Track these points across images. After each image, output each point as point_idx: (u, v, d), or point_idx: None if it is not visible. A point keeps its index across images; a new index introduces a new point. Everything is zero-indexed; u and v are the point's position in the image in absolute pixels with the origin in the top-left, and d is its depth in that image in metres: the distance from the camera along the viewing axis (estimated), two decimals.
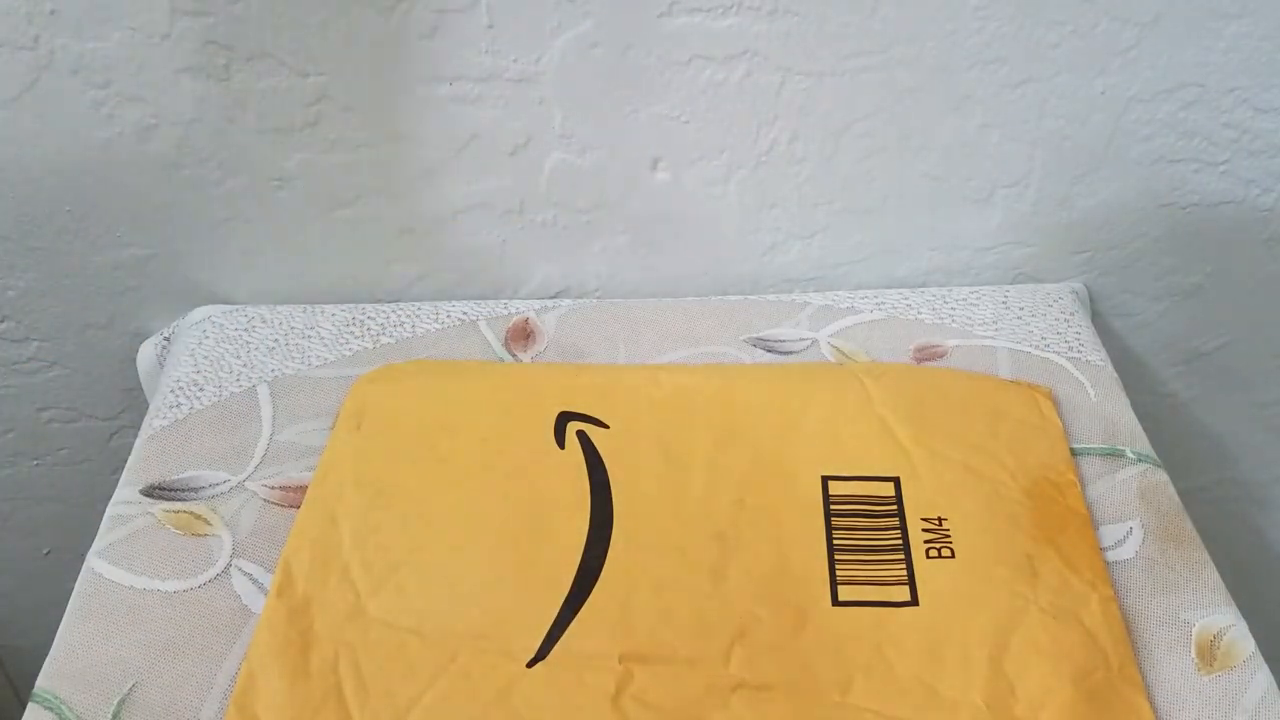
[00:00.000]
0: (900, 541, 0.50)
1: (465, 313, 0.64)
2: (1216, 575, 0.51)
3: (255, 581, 0.50)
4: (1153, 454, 0.56)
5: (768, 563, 0.50)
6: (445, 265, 0.66)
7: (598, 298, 0.68)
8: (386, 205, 0.62)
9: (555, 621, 0.47)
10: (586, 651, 0.46)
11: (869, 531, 0.51)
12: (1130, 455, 0.56)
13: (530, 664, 0.46)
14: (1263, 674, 0.46)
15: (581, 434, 0.55)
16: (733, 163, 0.61)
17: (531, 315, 0.64)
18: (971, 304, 0.65)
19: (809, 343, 0.62)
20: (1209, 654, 0.47)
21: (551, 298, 0.67)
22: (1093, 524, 0.52)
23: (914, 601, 0.48)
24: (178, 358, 0.62)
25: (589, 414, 0.56)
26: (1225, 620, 0.48)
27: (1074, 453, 0.56)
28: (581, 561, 0.49)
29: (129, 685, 0.46)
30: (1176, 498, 0.54)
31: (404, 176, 0.61)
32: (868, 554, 0.50)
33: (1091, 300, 0.69)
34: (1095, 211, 0.65)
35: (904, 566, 0.49)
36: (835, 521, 0.51)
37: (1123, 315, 0.71)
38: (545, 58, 0.56)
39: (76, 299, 0.65)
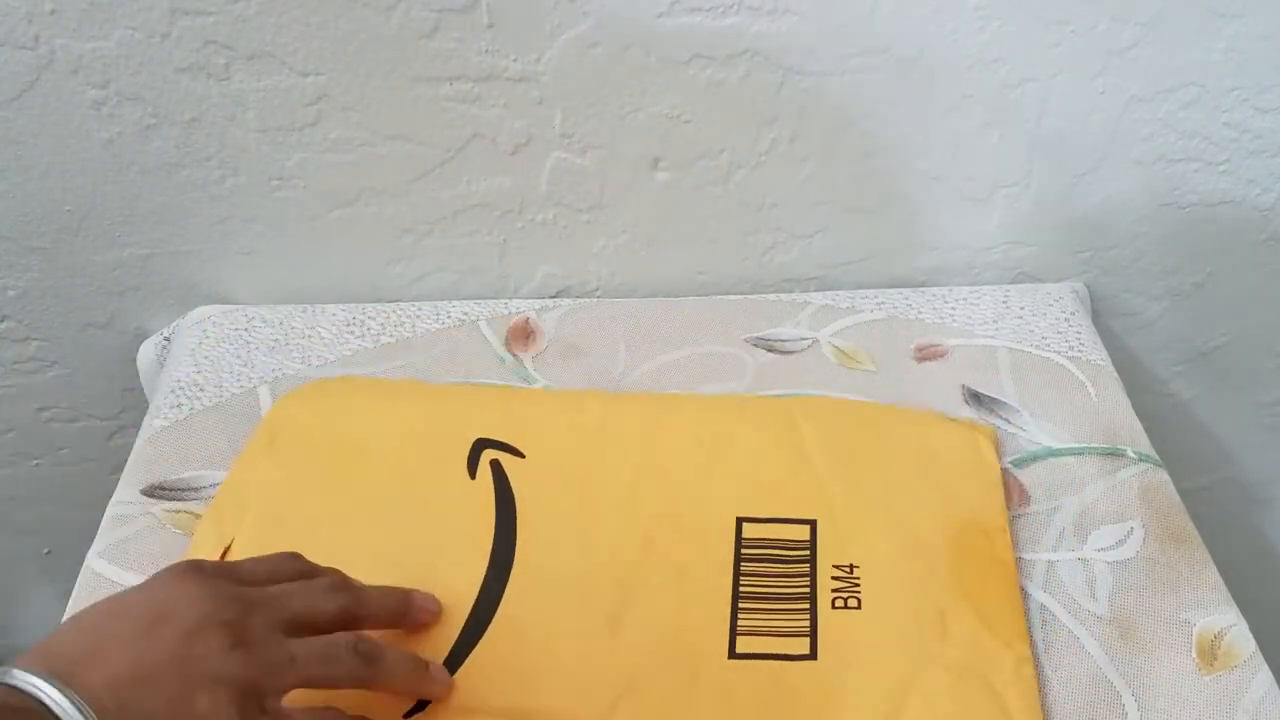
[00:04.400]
0: (807, 590, 0.49)
1: (465, 313, 0.64)
2: (1217, 575, 0.51)
3: None
4: (1153, 453, 0.56)
5: (667, 612, 0.48)
6: (445, 265, 0.66)
7: (598, 298, 0.68)
8: (386, 205, 0.62)
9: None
10: (465, 707, 0.45)
11: (777, 579, 0.49)
12: (1131, 455, 0.56)
13: (407, 715, 0.44)
14: (1263, 673, 0.46)
15: (495, 463, 0.53)
16: (733, 163, 0.61)
17: (532, 315, 0.64)
18: (972, 303, 0.65)
19: (809, 342, 0.62)
20: (1210, 654, 0.47)
21: (551, 297, 0.67)
22: (1018, 575, 0.50)
23: (812, 655, 0.46)
24: (178, 358, 0.62)
25: (506, 442, 0.54)
26: (1226, 620, 0.48)
27: (1068, 453, 0.56)
28: (474, 606, 0.48)
29: None
30: (1177, 497, 0.54)
31: (404, 176, 0.61)
32: (772, 602, 0.48)
33: (1092, 300, 0.69)
34: (1095, 211, 0.65)
35: (807, 617, 0.48)
36: (744, 567, 0.50)
37: (1123, 315, 0.71)
38: (545, 58, 0.56)
39: (76, 299, 0.65)
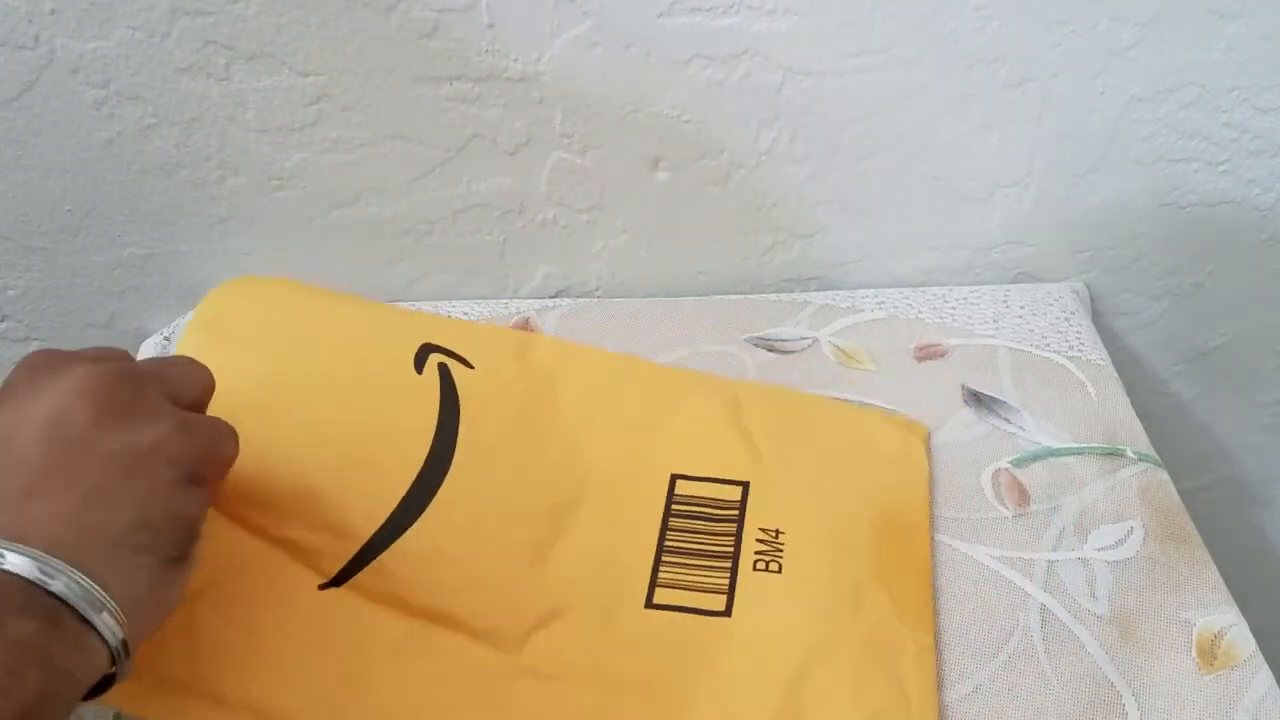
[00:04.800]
0: (731, 550, 0.49)
1: (465, 313, 0.64)
2: (1217, 574, 0.51)
3: None
4: (1153, 453, 0.56)
5: (593, 552, 0.48)
6: (445, 265, 0.66)
7: (598, 298, 0.68)
8: (386, 205, 0.62)
9: (361, 550, 0.45)
10: (382, 593, 0.44)
11: (703, 536, 0.50)
12: (1131, 454, 0.56)
13: (323, 586, 0.44)
14: (1264, 673, 0.46)
15: (443, 366, 0.52)
16: (733, 162, 0.61)
17: (532, 315, 0.64)
18: (972, 303, 0.65)
19: (809, 342, 0.62)
20: (1210, 653, 0.47)
21: (551, 297, 0.67)
22: (931, 578, 0.50)
23: (727, 612, 0.47)
24: None
25: (454, 350, 0.53)
26: (1226, 620, 0.48)
27: (1068, 453, 0.56)
28: (406, 494, 0.47)
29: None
30: (1177, 497, 0.54)
31: (404, 176, 0.61)
32: (695, 558, 0.49)
33: (1092, 299, 0.69)
34: (1095, 211, 0.65)
35: (727, 575, 0.48)
36: (672, 522, 0.50)
37: (1123, 314, 0.71)
38: (545, 57, 0.56)
39: (76, 299, 0.65)
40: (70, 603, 0.32)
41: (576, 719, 0.43)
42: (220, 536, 0.44)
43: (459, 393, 0.51)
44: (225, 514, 0.45)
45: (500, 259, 0.65)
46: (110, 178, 0.59)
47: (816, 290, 0.67)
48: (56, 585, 0.32)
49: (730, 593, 0.47)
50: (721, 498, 0.51)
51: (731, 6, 0.55)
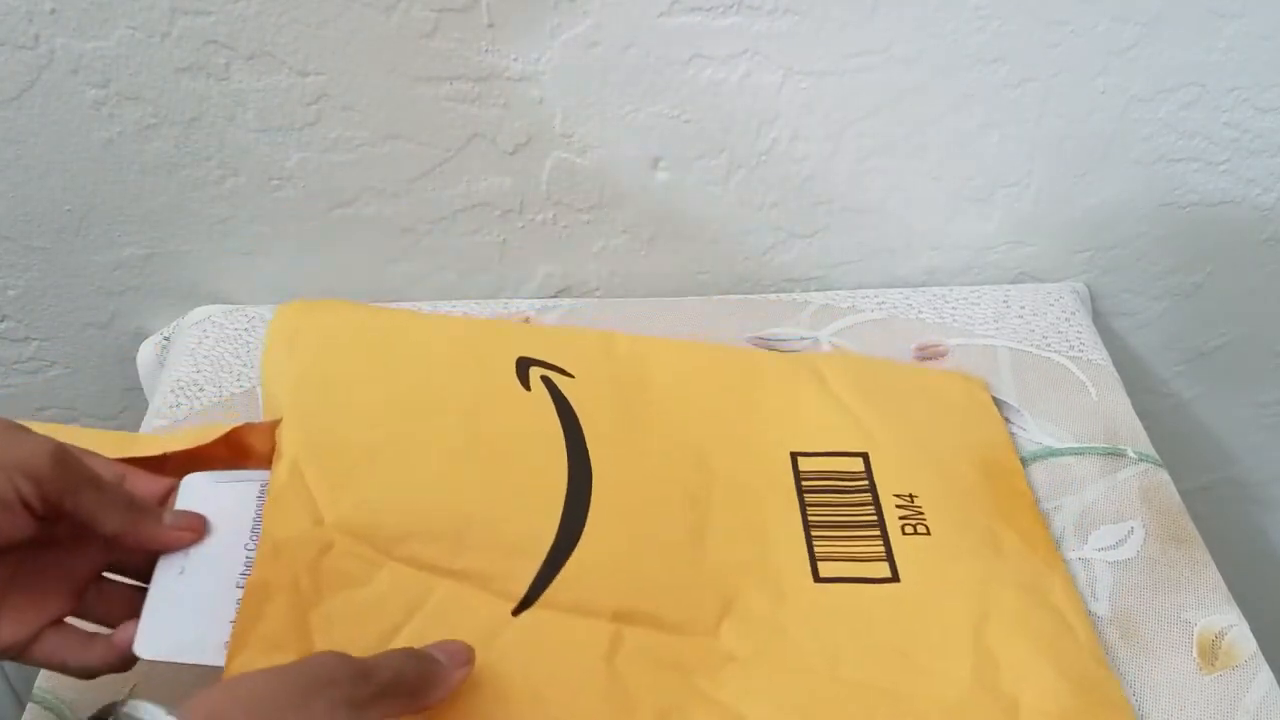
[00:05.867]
0: (875, 518, 0.50)
1: (465, 313, 0.64)
2: (1218, 575, 0.50)
3: None
4: (1153, 453, 0.56)
5: (744, 534, 0.48)
6: (445, 265, 0.65)
7: (598, 298, 0.67)
8: (386, 205, 0.62)
9: (542, 568, 0.44)
10: (576, 604, 0.44)
11: (843, 508, 0.50)
12: (1131, 455, 0.56)
13: (516, 611, 0.43)
14: (1264, 673, 0.46)
15: (547, 379, 0.52)
16: (733, 162, 0.61)
17: (532, 315, 0.64)
18: (972, 303, 0.65)
19: (810, 342, 0.62)
20: (1210, 653, 0.47)
21: (551, 297, 0.67)
22: (1040, 512, 0.52)
23: (895, 578, 0.47)
24: (178, 358, 0.62)
25: (550, 361, 0.53)
26: (1227, 620, 0.48)
27: (1068, 453, 0.56)
28: (565, 506, 0.47)
29: (129, 686, 0.46)
30: (1177, 497, 0.54)
31: (404, 176, 0.61)
32: (844, 529, 0.49)
33: (1092, 299, 0.69)
34: (1096, 211, 0.65)
35: (881, 543, 0.49)
36: (809, 498, 0.50)
37: (1123, 315, 0.71)
38: (545, 57, 0.56)
39: (76, 299, 0.65)
40: None
41: (784, 698, 0.43)
42: (401, 582, 0.43)
43: (570, 403, 0.51)
44: (395, 557, 0.44)
45: (500, 259, 0.65)
46: (110, 178, 0.59)
47: (816, 290, 0.67)
48: None
49: (890, 559, 0.48)
50: (847, 469, 0.51)
51: (731, 6, 0.55)
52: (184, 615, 0.39)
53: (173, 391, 0.59)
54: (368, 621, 0.41)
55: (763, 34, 0.56)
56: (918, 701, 0.43)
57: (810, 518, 0.50)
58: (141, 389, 0.67)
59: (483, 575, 0.44)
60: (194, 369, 0.61)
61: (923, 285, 0.68)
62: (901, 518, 0.49)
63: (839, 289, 0.67)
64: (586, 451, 0.49)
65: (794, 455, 0.52)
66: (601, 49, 0.56)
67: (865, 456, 0.52)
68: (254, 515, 0.42)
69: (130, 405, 0.71)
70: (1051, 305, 0.65)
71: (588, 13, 0.55)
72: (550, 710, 0.41)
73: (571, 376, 0.53)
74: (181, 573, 0.40)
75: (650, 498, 0.49)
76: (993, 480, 0.52)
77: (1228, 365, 0.74)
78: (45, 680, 0.46)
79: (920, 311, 0.64)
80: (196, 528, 0.41)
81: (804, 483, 0.51)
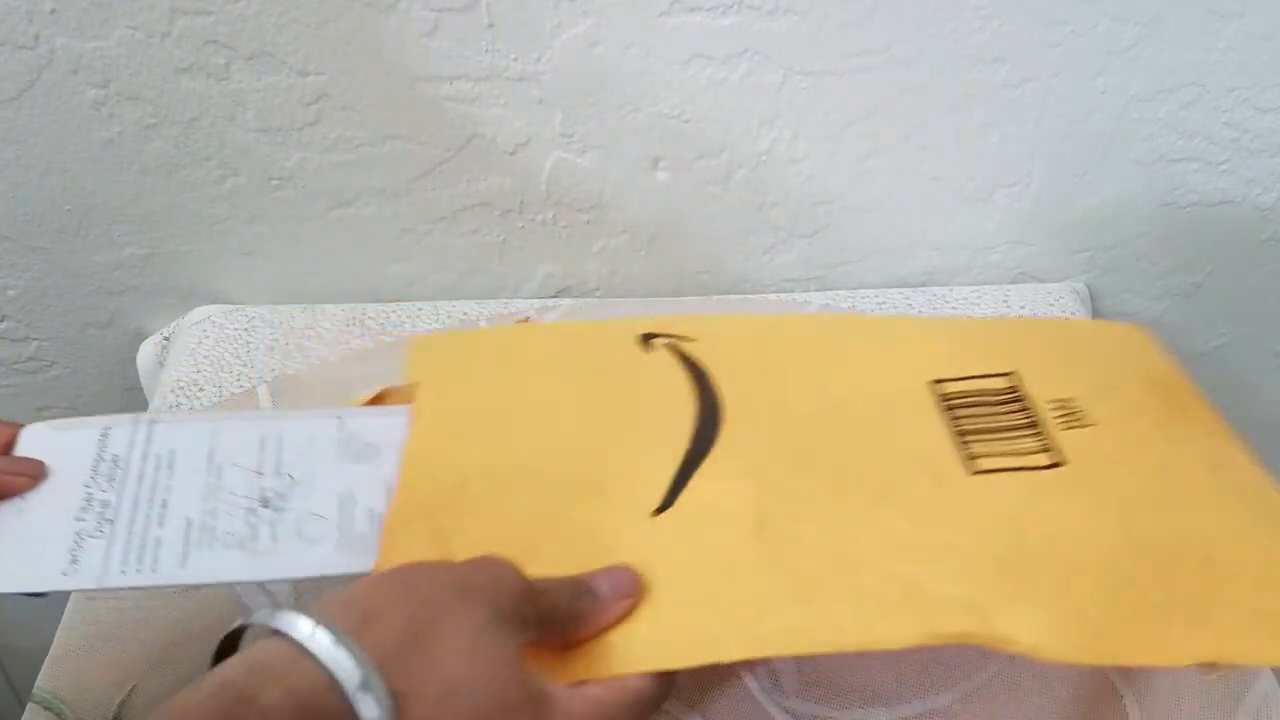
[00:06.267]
0: (1031, 419, 0.47)
1: (465, 313, 0.64)
2: None
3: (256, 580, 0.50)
4: None
5: (892, 445, 0.46)
6: (445, 265, 0.66)
7: (598, 298, 0.67)
8: (386, 205, 0.62)
9: (678, 472, 0.44)
10: (716, 502, 0.43)
11: (997, 414, 0.48)
12: None
13: (656, 512, 0.43)
14: (1264, 674, 0.46)
15: (671, 344, 0.52)
16: (733, 162, 0.61)
17: (532, 315, 0.64)
18: (972, 303, 0.65)
19: None
20: None
21: (551, 297, 0.67)
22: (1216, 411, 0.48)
23: (1060, 464, 0.45)
24: (178, 358, 0.62)
25: (672, 333, 0.52)
26: None
27: None
28: (696, 424, 0.46)
29: (129, 686, 0.46)
30: None
31: (404, 176, 0.61)
32: (1000, 432, 0.47)
33: (1092, 299, 0.69)
34: (1096, 211, 0.65)
35: (1040, 438, 0.46)
36: (958, 412, 0.48)
37: (1123, 315, 0.71)
38: (545, 57, 0.56)
39: (76, 299, 0.65)
40: None
41: (940, 575, 0.40)
42: (540, 500, 0.44)
43: (694, 357, 0.51)
44: (531, 479, 0.45)
45: (500, 259, 0.65)
46: (110, 178, 0.59)
47: (816, 290, 0.67)
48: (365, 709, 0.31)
49: (1052, 450, 0.45)
50: (994, 387, 0.49)
51: (731, 6, 0.55)
52: (23, 549, 0.40)
53: (173, 391, 0.59)
54: (511, 540, 0.41)
55: (762, 34, 0.56)
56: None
57: (962, 424, 0.47)
58: (142, 389, 0.67)
59: (619, 483, 0.44)
60: (194, 369, 0.61)
61: (923, 285, 0.68)
62: (1058, 417, 0.47)
63: (839, 289, 0.67)
64: (714, 391, 0.49)
65: (934, 382, 0.49)
66: (601, 49, 0.56)
67: (1011, 375, 0.49)
68: (93, 457, 0.43)
69: (130, 405, 0.71)
70: (1051, 305, 0.65)
71: (588, 13, 0.55)
72: (696, 594, 0.40)
73: (695, 341, 0.52)
74: (21, 514, 0.41)
75: (788, 426, 0.47)
76: (1162, 393, 0.49)
77: (1228, 365, 0.74)
78: (45, 680, 0.46)
79: (920, 311, 0.64)
80: (33, 473, 0.42)
81: (949, 401, 0.48)
